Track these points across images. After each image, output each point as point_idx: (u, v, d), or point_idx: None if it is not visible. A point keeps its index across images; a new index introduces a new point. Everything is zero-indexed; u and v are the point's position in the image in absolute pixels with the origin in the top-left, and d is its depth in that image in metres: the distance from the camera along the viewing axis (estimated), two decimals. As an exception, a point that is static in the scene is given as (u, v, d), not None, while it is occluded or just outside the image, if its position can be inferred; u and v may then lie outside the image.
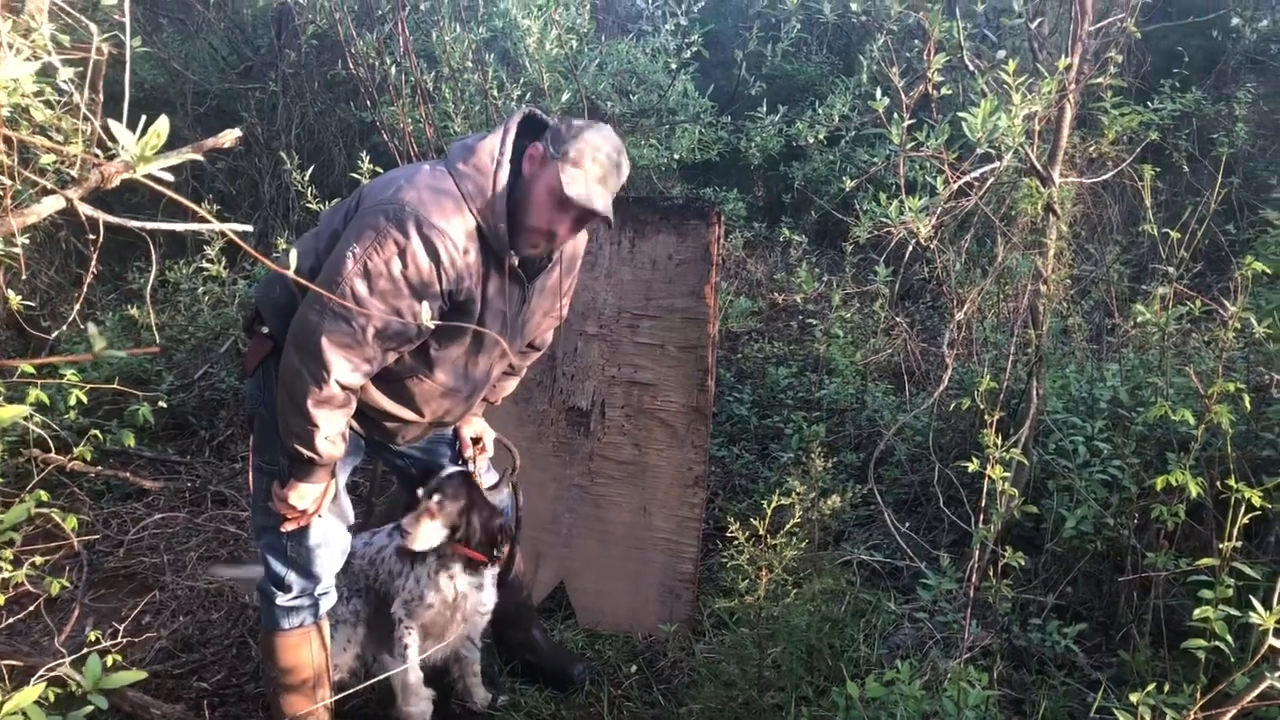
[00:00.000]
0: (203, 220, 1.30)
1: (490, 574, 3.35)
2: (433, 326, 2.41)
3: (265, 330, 2.83)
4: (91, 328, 1.09)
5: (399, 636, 3.26)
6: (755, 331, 6.85)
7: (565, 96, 5.90)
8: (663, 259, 3.86)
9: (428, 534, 3.12)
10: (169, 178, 1.12)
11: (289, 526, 2.85)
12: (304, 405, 2.58)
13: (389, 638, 3.56)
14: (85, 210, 1.25)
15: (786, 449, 5.14)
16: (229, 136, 1.54)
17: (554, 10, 5.67)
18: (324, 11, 5.95)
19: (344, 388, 2.61)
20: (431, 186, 2.59)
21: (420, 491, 3.15)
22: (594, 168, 2.65)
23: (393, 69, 5.40)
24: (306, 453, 2.67)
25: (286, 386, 2.62)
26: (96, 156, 1.39)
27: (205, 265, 6.14)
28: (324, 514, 2.91)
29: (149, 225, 1.27)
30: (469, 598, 3.31)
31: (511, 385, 3.40)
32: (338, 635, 3.31)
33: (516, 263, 2.74)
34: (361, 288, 2.51)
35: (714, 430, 5.23)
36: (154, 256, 1.57)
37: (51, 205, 1.34)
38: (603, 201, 2.66)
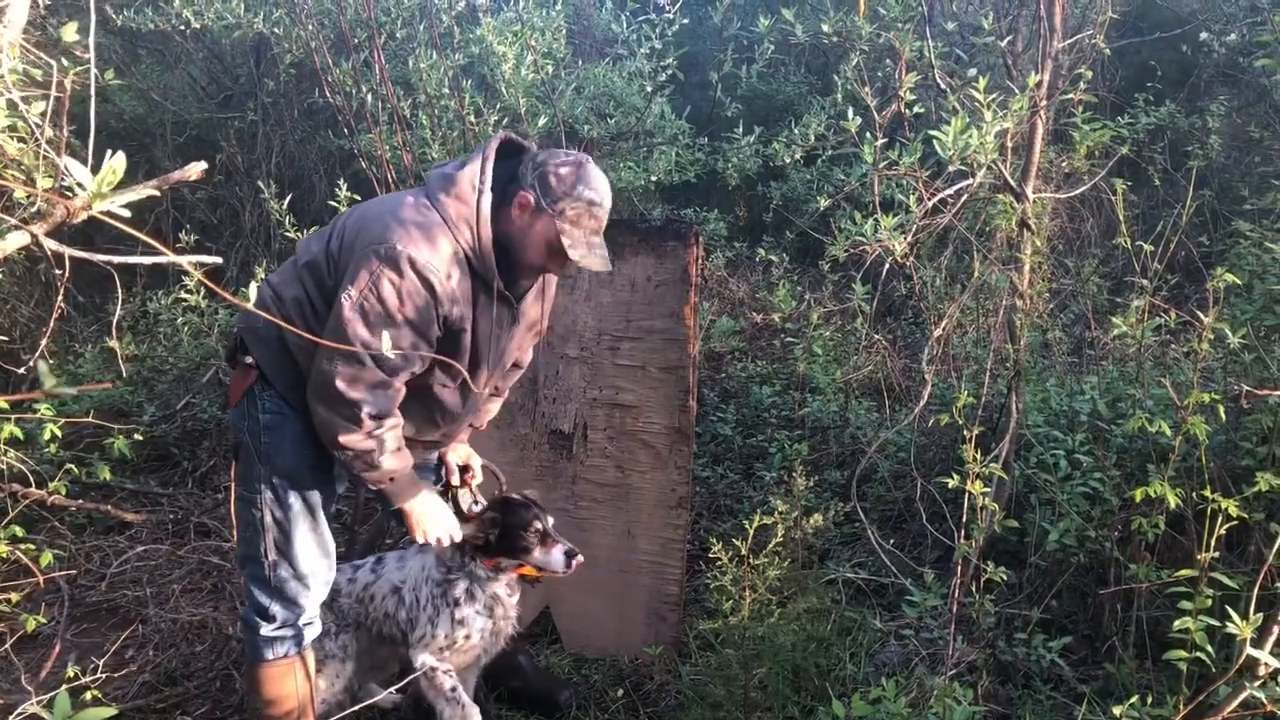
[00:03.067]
0: (172, 253, 1.30)
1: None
2: (429, 357, 2.57)
3: (249, 360, 2.84)
4: (42, 365, 1.09)
5: (438, 685, 3.19)
6: (738, 351, 6.86)
7: (542, 121, 5.93)
8: (642, 280, 3.87)
9: (550, 560, 3.18)
10: (125, 214, 1.12)
11: (446, 542, 3.02)
12: (353, 443, 2.67)
13: (379, 669, 3.53)
14: (50, 245, 1.25)
15: (770, 468, 5.14)
16: (194, 170, 1.54)
17: (530, 36, 5.70)
18: (301, 41, 5.95)
19: (378, 416, 2.67)
20: (418, 222, 2.63)
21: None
22: (591, 222, 2.73)
23: (370, 97, 5.41)
24: (384, 479, 2.78)
25: (329, 436, 2.70)
26: (68, 192, 1.39)
27: (185, 296, 6.12)
28: (309, 543, 2.93)
29: (115, 259, 1.26)
30: (509, 615, 3.32)
31: (496, 407, 3.41)
32: (326, 670, 3.28)
33: (503, 286, 2.79)
34: (363, 330, 2.57)
35: (698, 450, 5.24)
36: (120, 290, 1.56)
37: (16, 241, 1.34)
38: (603, 261, 2.74)
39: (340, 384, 2.59)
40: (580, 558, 3.19)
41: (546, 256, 2.76)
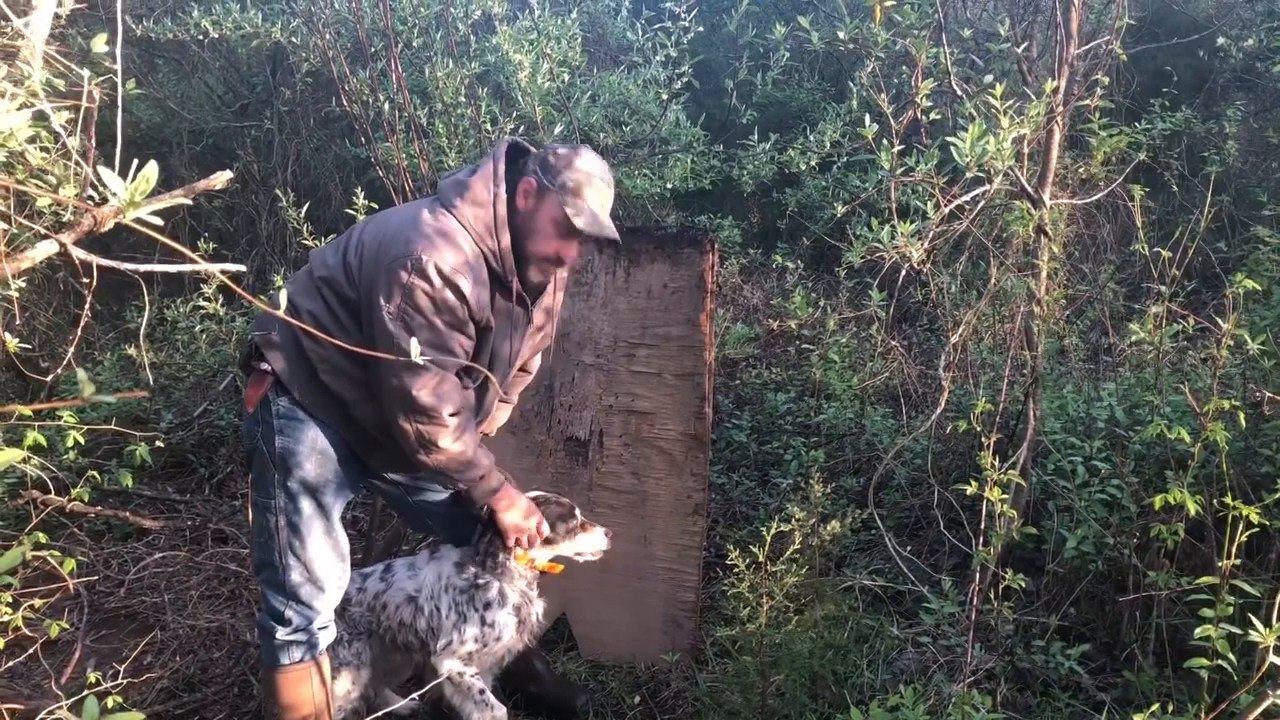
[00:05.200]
0: (194, 261, 1.31)
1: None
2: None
3: (264, 367, 2.86)
4: (81, 373, 1.10)
5: (465, 688, 3.23)
6: (753, 358, 6.86)
7: (558, 129, 5.94)
8: (658, 287, 3.87)
9: (596, 541, 3.40)
10: (158, 222, 1.13)
11: (534, 542, 3.17)
12: (444, 444, 2.79)
13: (393, 674, 3.55)
14: (78, 254, 1.26)
15: (786, 475, 5.13)
16: (220, 179, 1.56)
17: (545, 44, 5.72)
18: (318, 50, 5.99)
19: (456, 413, 2.79)
20: (438, 230, 2.70)
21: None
22: (593, 194, 2.80)
23: (386, 105, 5.43)
24: (474, 475, 2.92)
25: (419, 447, 2.80)
26: (89, 201, 1.40)
27: (202, 304, 6.15)
28: (323, 547, 2.96)
29: (142, 267, 1.28)
30: (536, 610, 3.38)
31: (504, 415, 3.46)
32: (342, 676, 3.29)
33: (520, 287, 2.86)
34: (405, 336, 2.65)
35: (714, 457, 5.23)
36: (147, 298, 1.58)
37: (45, 250, 1.35)
38: (611, 228, 2.83)
39: (418, 394, 2.70)
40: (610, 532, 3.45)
41: (558, 239, 2.83)
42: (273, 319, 2.87)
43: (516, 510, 3.09)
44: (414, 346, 1.70)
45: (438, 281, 2.63)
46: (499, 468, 3.06)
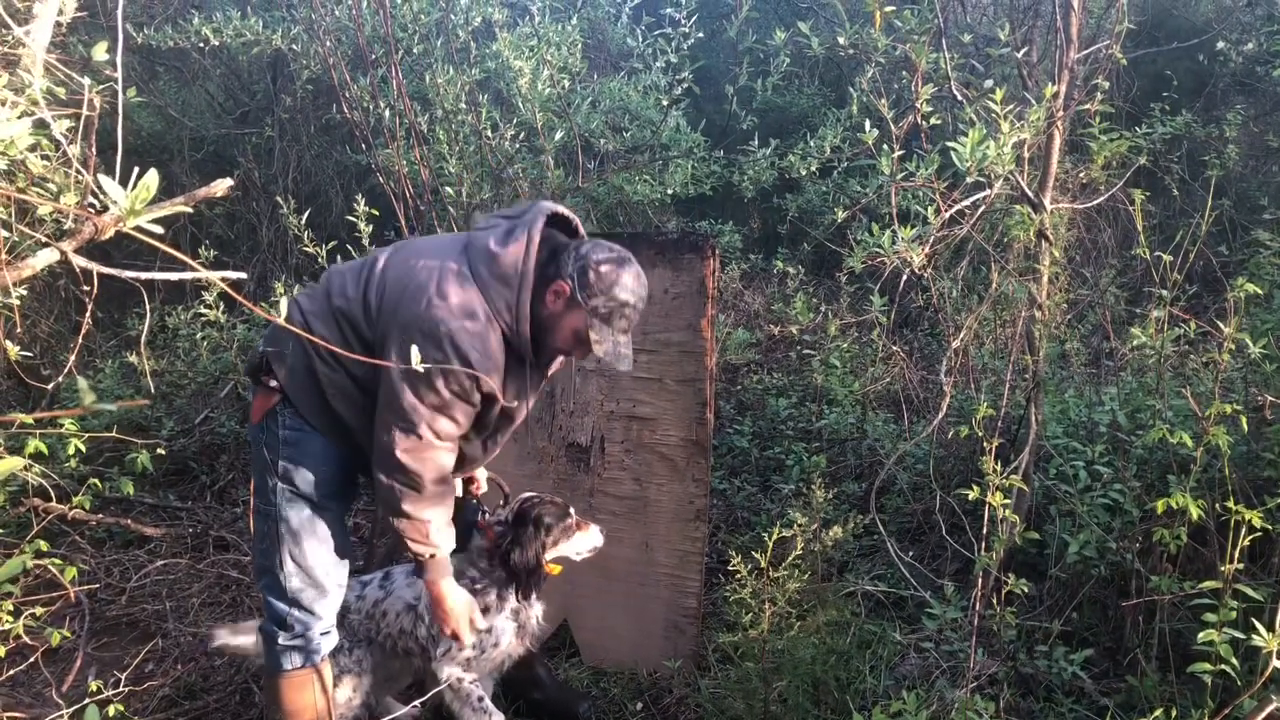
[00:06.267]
0: (195, 269, 1.31)
1: None
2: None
3: (273, 384, 2.87)
4: (81, 382, 1.10)
5: (464, 695, 3.24)
6: (754, 363, 6.86)
7: (559, 135, 5.94)
8: (659, 293, 3.87)
9: (592, 539, 3.40)
10: (159, 229, 1.13)
11: (468, 638, 3.09)
12: (411, 511, 2.79)
13: (393, 681, 3.54)
14: (79, 262, 1.26)
15: (788, 480, 5.13)
16: (221, 186, 1.55)
17: (545, 51, 5.72)
18: (318, 57, 6.00)
19: (439, 481, 2.80)
20: (460, 302, 2.67)
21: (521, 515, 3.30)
22: (622, 322, 2.78)
23: (387, 112, 5.44)
24: (428, 550, 2.88)
25: (389, 505, 2.81)
26: (90, 209, 1.40)
27: (204, 311, 6.15)
28: (324, 553, 2.97)
29: (142, 275, 1.27)
30: (535, 615, 3.39)
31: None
32: (343, 684, 3.29)
33: (534, 360, 2.88)
34: (415, 400, 2.66)
35: (715, 463, 5.23)
36: (148, 305, 1.57)
37: (46, 258, 1.35)
38: (628, 360, 2.82)
39: (401, 455, 2.70)
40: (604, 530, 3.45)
41: (573, 344, 2.83)
42: (287, 335, 2.86)
43: (457, 603, 3.03)
44: (414, 355, 1.68)
45: (453, 356, 2.63)
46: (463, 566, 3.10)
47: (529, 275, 2.71)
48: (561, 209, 2.89)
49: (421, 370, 2.56)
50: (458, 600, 3.02)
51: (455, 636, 3.06)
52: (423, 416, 2.67)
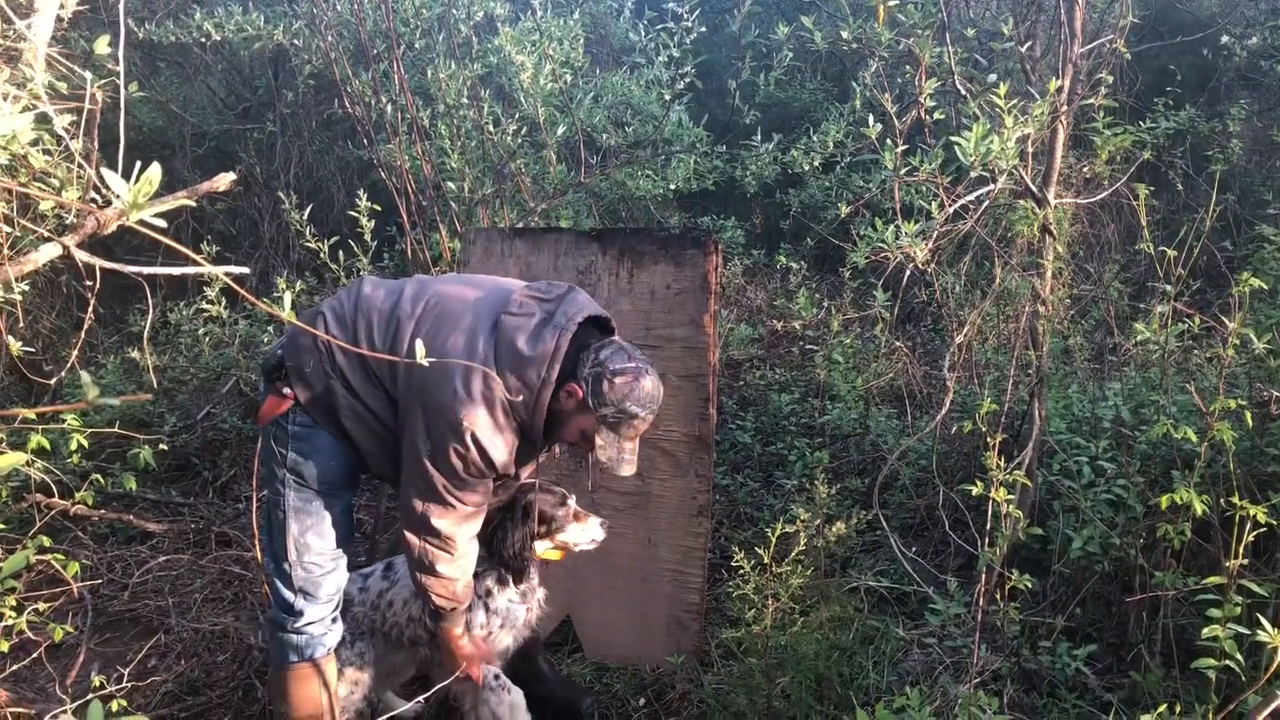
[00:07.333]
0: (197, 264, 1.31)
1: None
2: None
3: (287, 392, 2.92)
4: (85, 376, 1.09)
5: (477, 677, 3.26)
6: (757, 358, 6.85)
7: (561, 130, 5.93)
8: (661, 289, 3.87)
9: (591, 531, 3.38)
10: (162, 224, 1.12)
11: (476, 671, 3.18)
12: (445, 571, 2.93)
13: (395, 675, 3.54)
14: (81, 256, 1.26)
15: (791, 476, 5.13)
16: (223, 181, 1.55)
17: (547, 45, 5.71)
18: (320, 52, 5.98)
19: (470, 540, 2.97)
20: (485, 397, 2.72)
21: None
22: (629, 431, 2.83)
23: (389, 107, 5.43)
24: (451, 605, 3.02)
25: (419, 564, 2.93)
26: (92, 204, 1.40)
27: (206, 306, 6.15)
28: (330, 541, 3.03)
29: (145, 270, 1.27)
30: (538, 597, 3.42)
31: None
32: (345, 677, 3.29)
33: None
34: (441, 480, 2.79)
35: (718, 458, 5.22)
36: (150, 301, 1.57)
37: (49, 253, 1.34)
38: (630, 466, 2.88)
39: (437, 522, 2.84)
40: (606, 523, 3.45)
41: (579, 439, 2.91)
42: (305, 351, 2.89)
43: (470, 649, 3.16)
44: (419, 348, 1.66)
45: (473, 449, 2.72)
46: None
47: (551, 381, 2.76)
48: (600, 311, 2.94)
49: (444, 457, 2.74)
50: (470, 647, 3.16)
51: (470, 675, 3.16)
52: (451, 491, 2.80)
